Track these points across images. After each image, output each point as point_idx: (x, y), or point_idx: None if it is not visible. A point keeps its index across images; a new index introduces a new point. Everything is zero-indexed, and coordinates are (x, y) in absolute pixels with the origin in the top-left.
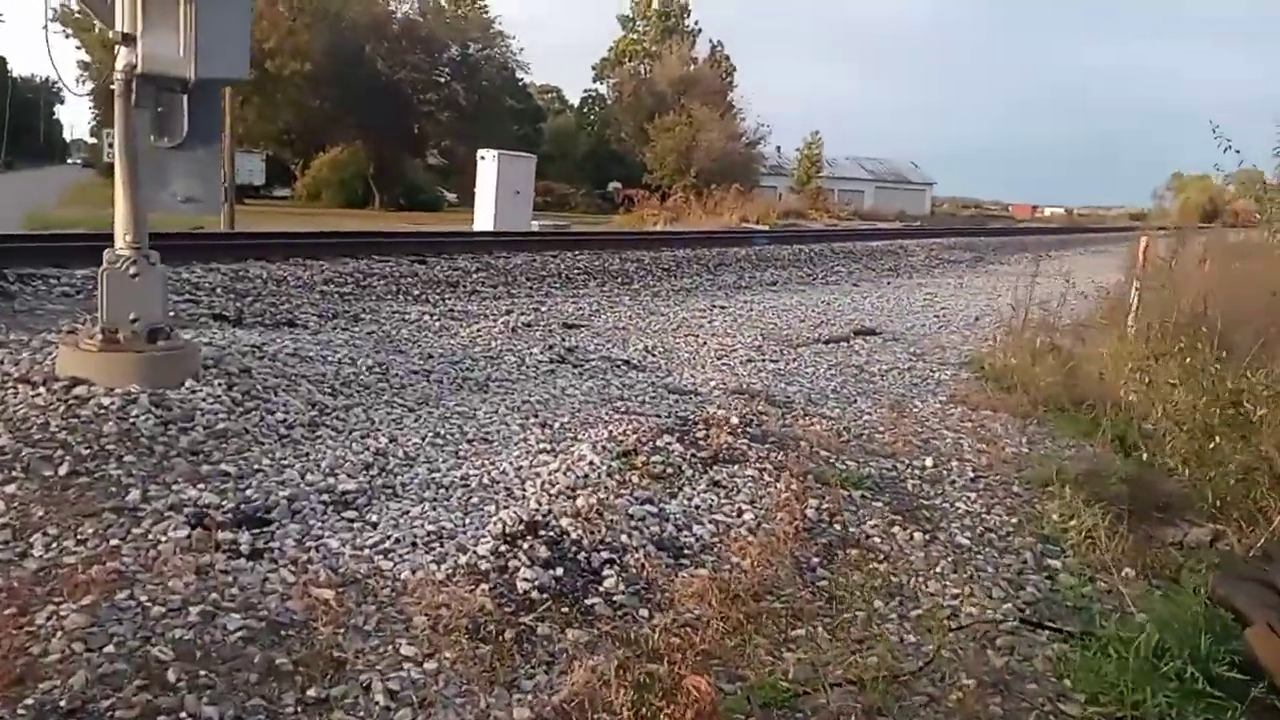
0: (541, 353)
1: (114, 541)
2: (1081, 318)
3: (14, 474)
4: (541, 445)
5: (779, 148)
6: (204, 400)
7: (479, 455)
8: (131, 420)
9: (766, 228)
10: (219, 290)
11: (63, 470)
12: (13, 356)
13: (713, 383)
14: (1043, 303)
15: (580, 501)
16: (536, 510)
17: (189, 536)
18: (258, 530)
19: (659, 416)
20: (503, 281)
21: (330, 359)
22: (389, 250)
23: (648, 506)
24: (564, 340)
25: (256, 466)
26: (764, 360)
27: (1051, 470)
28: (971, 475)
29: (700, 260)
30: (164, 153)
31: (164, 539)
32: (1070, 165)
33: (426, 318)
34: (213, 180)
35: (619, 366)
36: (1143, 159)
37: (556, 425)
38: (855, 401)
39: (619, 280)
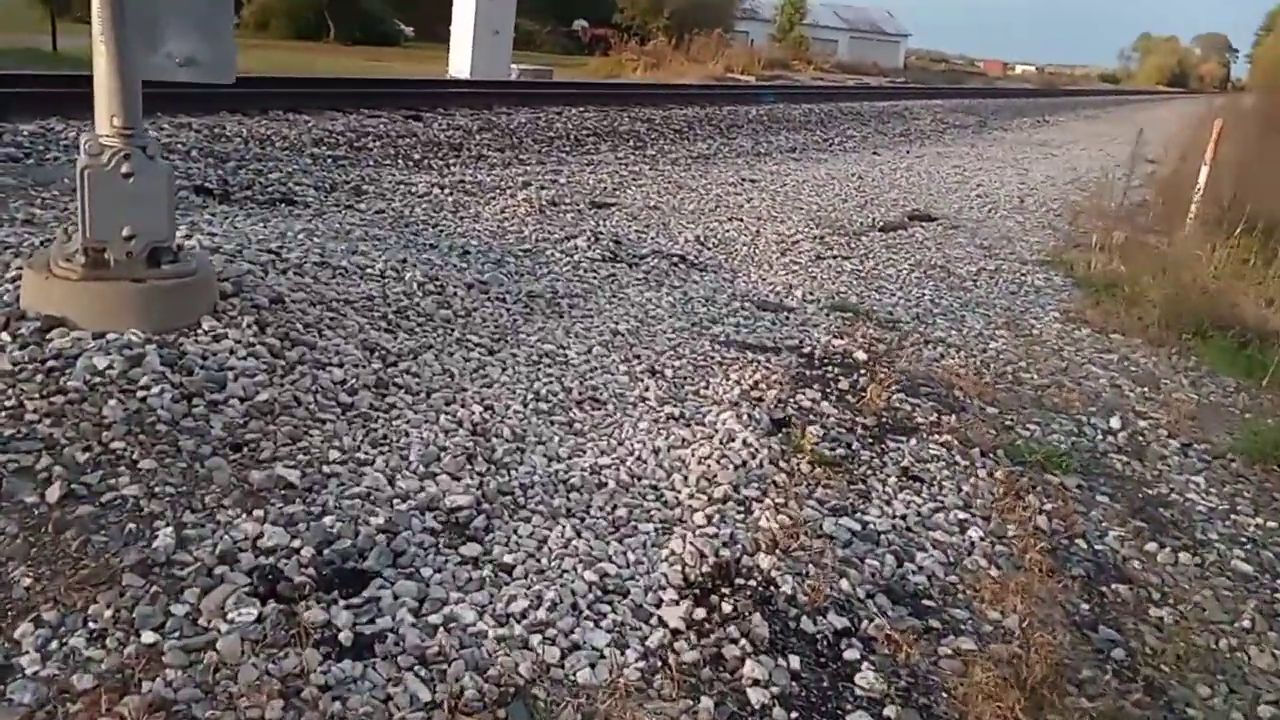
0: (588, 246)
1: (147, 639)
2: (1136, 202)
3: None
4: (667, 408)
5: None
6: (234, 353)
7: (598, 429)
8: (142, 395)
9: (753, 79)
10: (195, 153)
11: (52, 494)
12: None
13: (796, 290)
14: (1079, 182)
15: (765, 520)
16: (714, 537)
17: (260, 620)
18: (354, 597)
19: (772, 350)
20: (509, 144)
21: (368, 269)
22: (378, 103)
23: (846, 521)
24: (599, 224)
25: (325, 466)
26: (832, 256)
27: (1266, 439)
28: (1177, 446)
29: (712, 121)
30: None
31: (224, 628)
32: (1038, 23)
33: (437, 191)
34: (223, 35)
35: (679, 267)
36: (1112, 17)
37: (668, 373)
38: (964, 319)
39: (631, 144)
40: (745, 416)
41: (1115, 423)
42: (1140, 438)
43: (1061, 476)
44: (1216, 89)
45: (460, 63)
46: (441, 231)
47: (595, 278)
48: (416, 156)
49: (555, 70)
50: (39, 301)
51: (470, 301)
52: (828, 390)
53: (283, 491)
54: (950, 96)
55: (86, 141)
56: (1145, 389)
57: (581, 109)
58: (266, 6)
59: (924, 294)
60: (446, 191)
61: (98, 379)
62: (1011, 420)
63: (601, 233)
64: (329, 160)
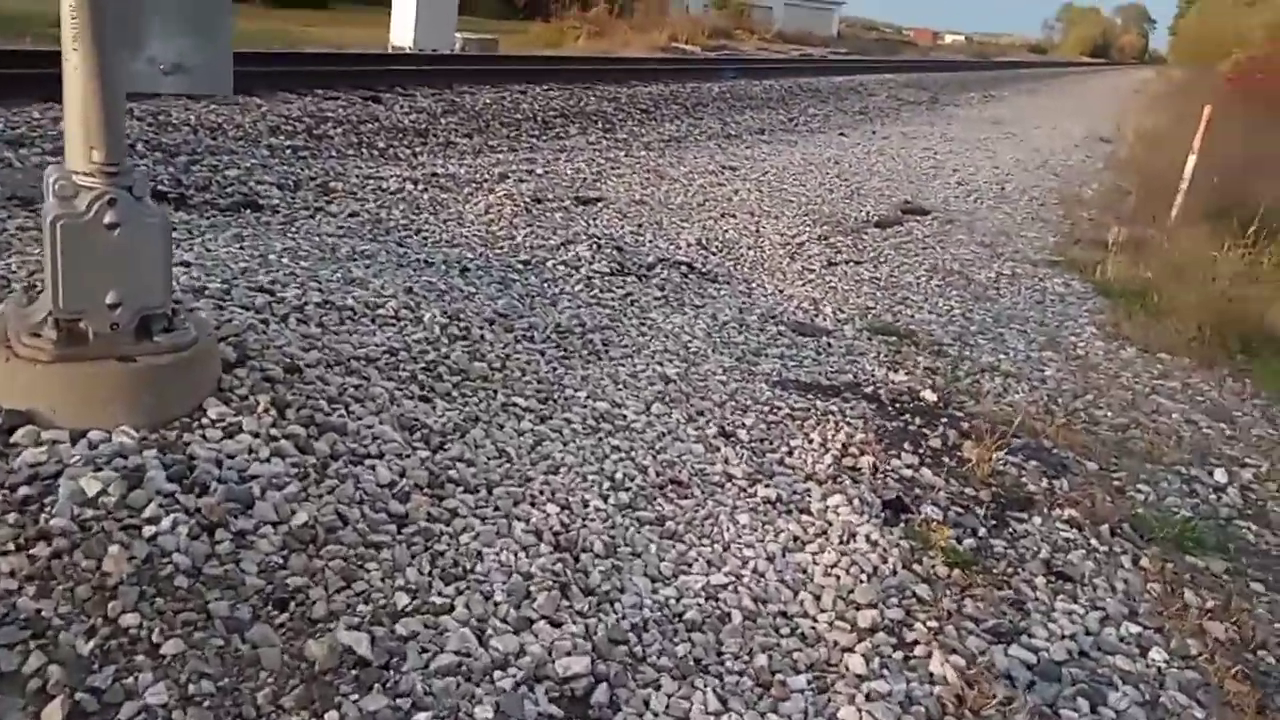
0: (592, 257)
1: None
2: (1109, 188)
3: None
4: (759, 489)
5: None
6: (254, 452)
7: (693, 527)
8: (150, 533)
9: (699, 50)
10: (141, 146)
11: (53, 716)
12: None
13: (824, 307)
14: (1048, 166)
15: (936, 663)
16: (886, 696)
17: None
18: None
19: (833, 392)
20: (476, 129)
21: (379, 308)
22: (332, 82)
23: (1017, 651)
24: (591, 225)
25: (398, 624)
26: (844, 261)
27: None
28: None
29: (677, 99)
30: None
31: None
32: None
33: (410, 187)
34: (218, 34)
35: (691, 279)
36: None
37: (742, 434)
38: (1004, 339)
39: (600, 126)
40: (855, 502)
41: (1220, 476)
42: (1252, 493)
43: (1205, 559)
44: (1135, 60)
45: (403, 33)
46: (427, 239)
47: (613, 298)
48: (381, 145)
49: (499, 40)
50: None
51: (500, 346)
52: (920, 450)
53: (354, 673)
54: (898, 70)
55: (56, 182)
56: (1223, 425)
57: (545, 87)
58: None
59: (952, 307)
60: (420, 187)
61: (90, 512)
62: (1119, 479)
63: (599, 237)
64: (288, 151)
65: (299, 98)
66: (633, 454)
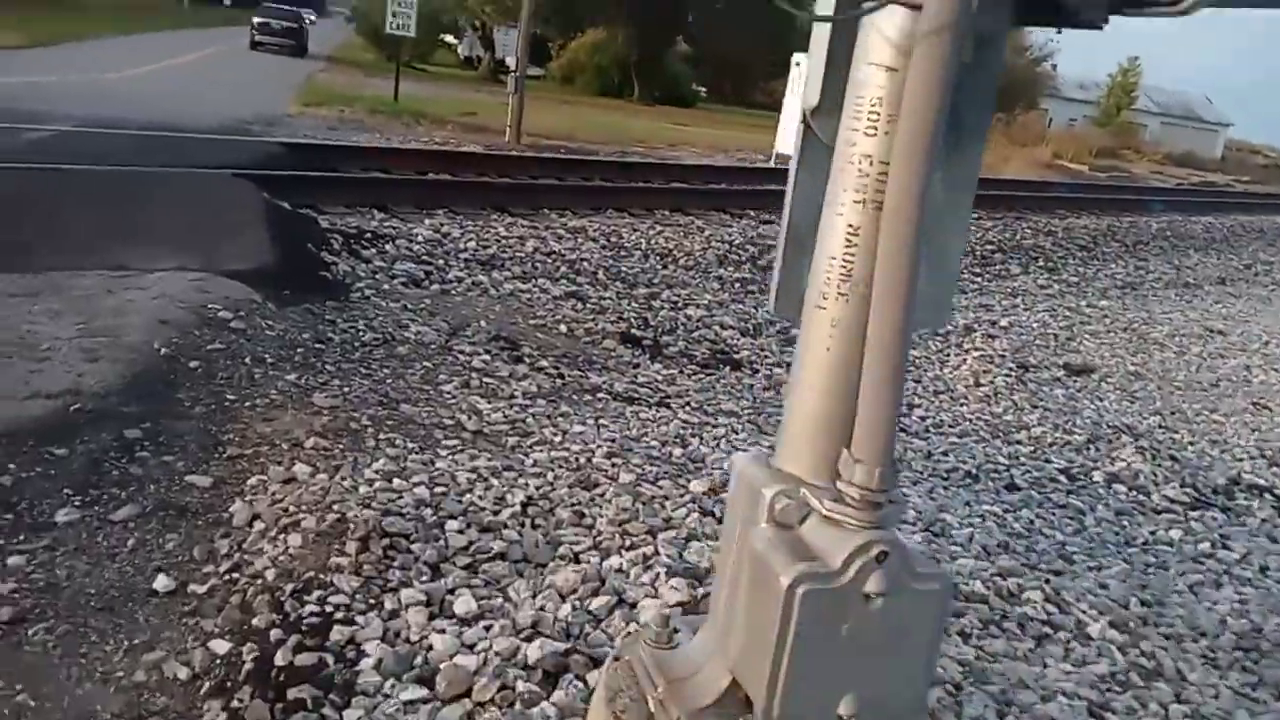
0: (1151, 471)
1: None
2: None
3: None
4: None
5: (1054, 65)
6: None
7: None
8: None
9: (1086, 170)
10: (601, 274)
11: None
12: None
13: None
14: None
15: None
16: None
17: None
18: None
19: None
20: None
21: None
22: (761, 204)
23: None
24: (1096, 406)
25: None
26: None
27: None
28: None
29: (1114, 235)
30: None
31: None
32: None
33: None
34: (950, 264)
35: None
36: None
37: None
38: None
39: (1041, 264)
40: None
41: None
42: None
43: None
44: None
45: (786, 139)
46: (927, 421)
47: (1212, 568)
48: None
49: None
50: None
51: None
52: None
53: None
54: None
55: (777, 499)
56: None
57: (975, 214)
58: (574, 61)
59: None
60: None
61: None
62: None
63: (1128, 429)
64: (736, 285)
65: (734, 219)
66: None
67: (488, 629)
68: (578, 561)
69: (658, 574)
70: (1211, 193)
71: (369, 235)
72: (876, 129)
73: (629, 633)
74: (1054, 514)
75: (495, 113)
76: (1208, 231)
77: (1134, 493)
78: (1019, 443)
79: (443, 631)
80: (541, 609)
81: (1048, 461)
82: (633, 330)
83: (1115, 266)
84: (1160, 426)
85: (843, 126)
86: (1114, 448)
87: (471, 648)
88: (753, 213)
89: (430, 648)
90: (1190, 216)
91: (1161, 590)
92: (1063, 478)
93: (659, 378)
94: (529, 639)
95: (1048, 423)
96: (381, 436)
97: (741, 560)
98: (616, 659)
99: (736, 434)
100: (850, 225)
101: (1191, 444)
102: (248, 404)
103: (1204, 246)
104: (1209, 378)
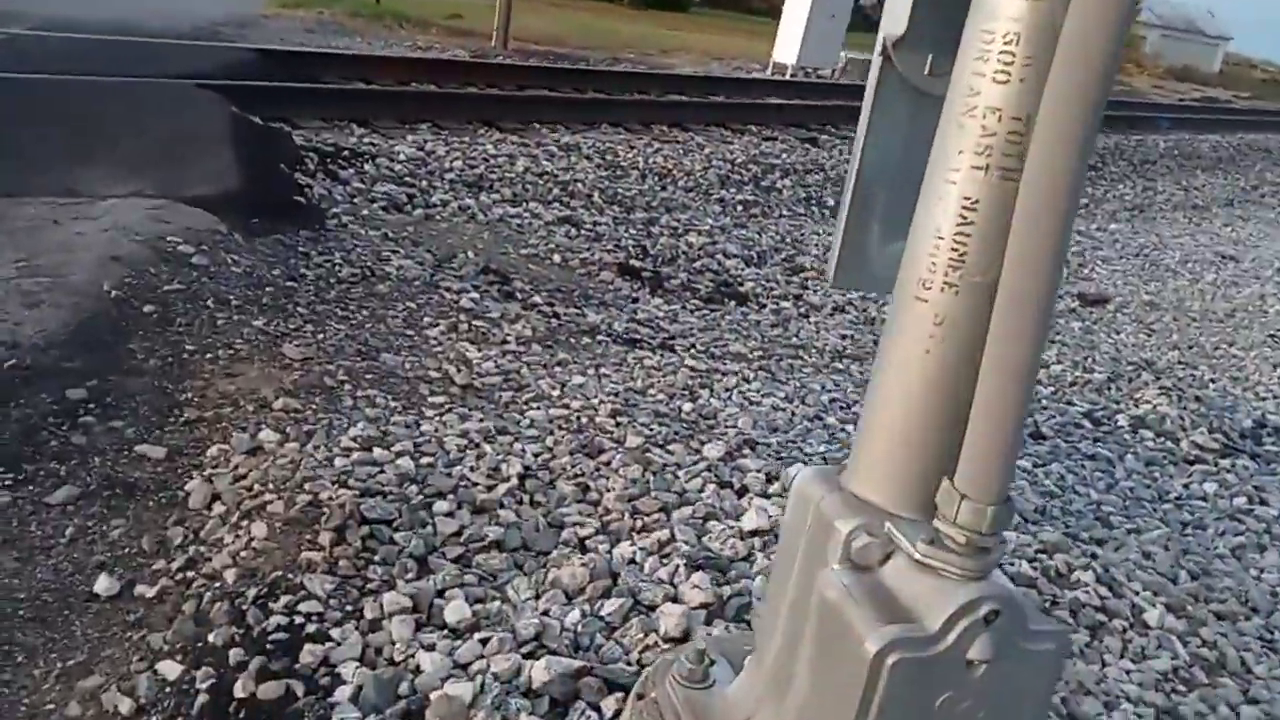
0: (1179, 416)
1: None
2: None
3: None
4: None
5: None
6: None
7: None
8: None
9: None
10: (597, 196)
11: None
12: None
13: None
14: None
15: None
16: None
17: None
18: None
19: None
20: None
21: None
22: (763, 118)
23: None
24: (1120, 345)
25: None
26: None
27: None
28: None
29: (1121, 154)
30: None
31: None
32: None
33: None
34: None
35: None
36: None
37: None
38: None
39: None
40: None
41: None
42: None
43: None
44: None
45: (788, 49)
46: None
47: (1252, 526)
48: (831, 203)
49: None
50: None
51: None
52: None
53: None
54: None
55: (855, 538)
56: None
57: None
58: None
59: None
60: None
61: None
62: None
63: (1146, 365)
64: (739, 208)
65: (735, 136)
66: None
67: (484, 642)
68: (584, 550)
69: (676, 566)
70: (1216, 109)
71: (347, 153)
72: (1009, 74)
73: (647, 648)
74: (1084, 466)
75: (482, 15)
76: (1215, 150)
77: (1161, 439)
78: (1039, 382)
79: (431, 648)
80: (545, 614)
81: (1070, 404)
82: (631, 260)
83: (1123, 187)
84: (1180, 362)
85: (961, 68)
86: (1135, 387)
87: (466, 668)
88: (754, 128)
89: (418, 669)
90: (1198, 134)
91: (1205, 557)
92: (1087, 423)
93: (660, 314)
94: (532, 654)
95: (1066, 359)
96: (360, 394)
97: (807, 607)
98: (640, 696)
99: (749, 383)
100: (966, 198)
101: (1213, 381)
102: (209, 356)
103: (1211, 166)
104: (1224, 307)
